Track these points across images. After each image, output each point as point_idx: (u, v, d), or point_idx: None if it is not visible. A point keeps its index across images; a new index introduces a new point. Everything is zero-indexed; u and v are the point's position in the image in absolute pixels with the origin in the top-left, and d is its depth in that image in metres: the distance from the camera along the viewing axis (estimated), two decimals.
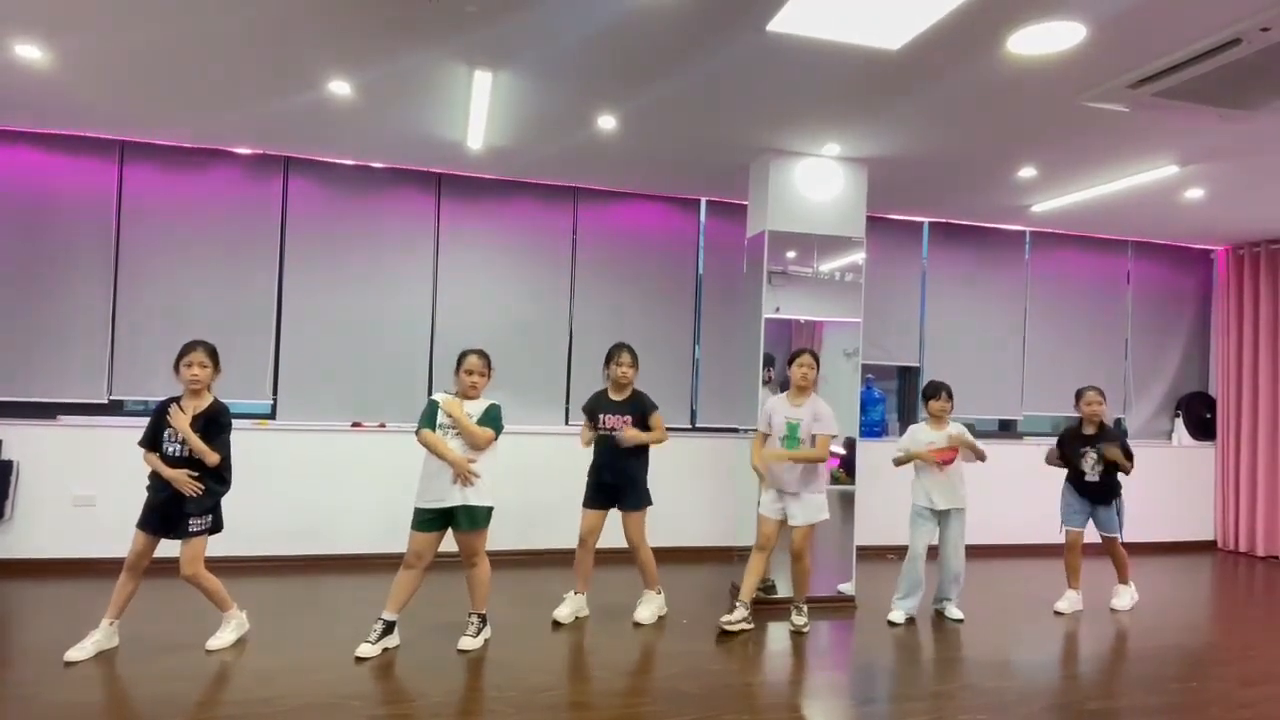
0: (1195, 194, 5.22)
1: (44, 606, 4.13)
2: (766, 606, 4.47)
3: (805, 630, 4.08)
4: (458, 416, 3.57)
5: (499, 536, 5.28)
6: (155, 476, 3.42)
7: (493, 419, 3.66)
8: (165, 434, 3.41)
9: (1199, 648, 4.11)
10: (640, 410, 4.13)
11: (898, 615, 4.34)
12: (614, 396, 4.13)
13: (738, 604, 4.08)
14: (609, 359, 4.13)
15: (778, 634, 4.11)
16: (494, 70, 3.61)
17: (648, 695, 3.22)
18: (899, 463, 4.42)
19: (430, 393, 5.39)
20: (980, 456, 4.35)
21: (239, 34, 3.33)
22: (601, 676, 3.42)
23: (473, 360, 3.68)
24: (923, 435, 4.43)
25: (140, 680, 3.18)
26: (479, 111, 4.06)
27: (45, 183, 4.85)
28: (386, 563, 4.61)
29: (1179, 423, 6.86)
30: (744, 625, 4.05)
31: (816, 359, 4.13)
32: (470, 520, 3.58)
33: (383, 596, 3.61)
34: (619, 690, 3.27)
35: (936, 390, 4.42)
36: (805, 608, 4.16)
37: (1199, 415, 6.91)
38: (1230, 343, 6.77)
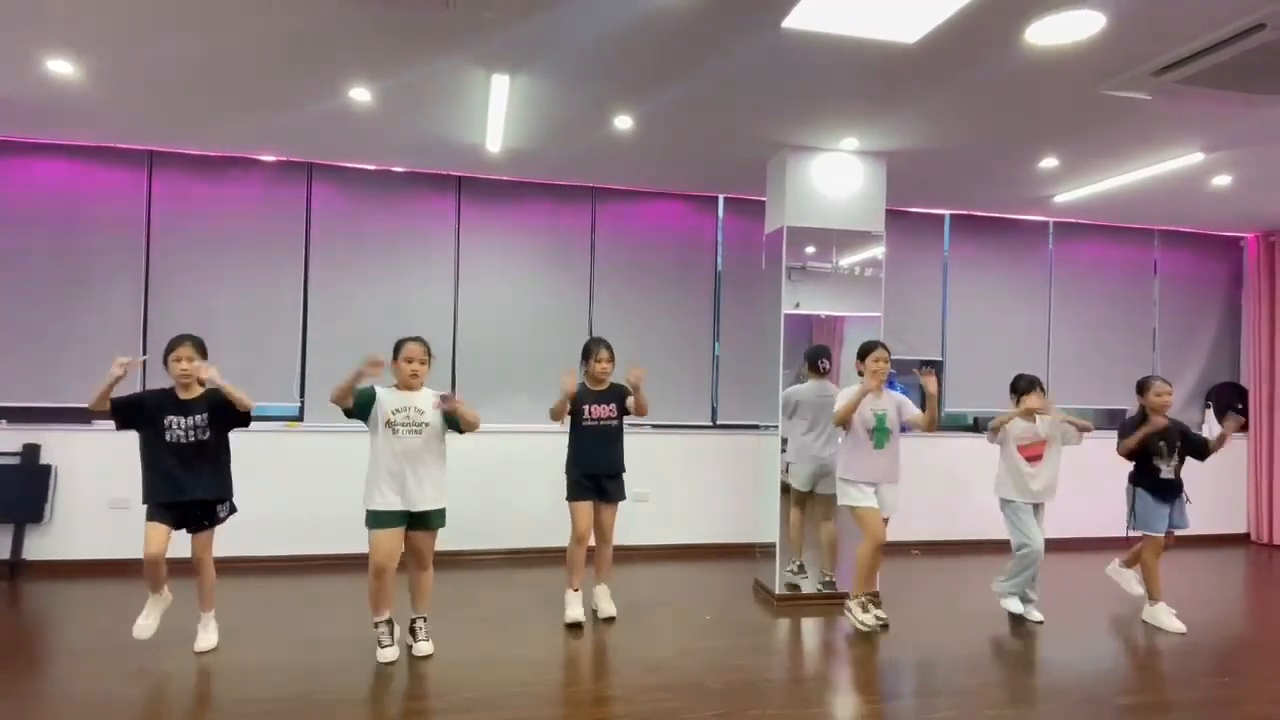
0: (1223, 180, 5.13)
1: (83, 606, 4.25)
2: (809, 602, 4.48)
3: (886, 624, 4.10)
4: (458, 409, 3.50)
5: (513, 535, 5.35)
6: (172, 466, 3.36)
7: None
8: (169, 422, 3.35)
9: (1232, 642, 4.06)
10: (620, 397, 4.19)
11: (1037, 614, 4.28)
12: (594, 388, 4.17)
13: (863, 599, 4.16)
14: (587, 354, 4.18)
15: (804, 629, 4.12)
16: (511, 73, 3.64)
17: (671, 690, 3.24)
18: (994, 429, 4.30)
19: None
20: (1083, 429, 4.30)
21: (262, 45, 3.40)
22: (626, 672, 3.46)
23: (413, 347, 3.53)
24: (1014, 429, 4.31)
25: (208, 674, 3.26)
26: (497, 114, 4.10)
27: (78, 193, 4.97)
28: None
29: (1209, 413, 6.74)
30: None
31: (888, 351, 4.07)
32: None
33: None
34: (643, 685, 3.30)
35: (1031, 385, 4.25)
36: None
37: (1230, 405, 6.77)
38: (1262, 331, 6.64)
